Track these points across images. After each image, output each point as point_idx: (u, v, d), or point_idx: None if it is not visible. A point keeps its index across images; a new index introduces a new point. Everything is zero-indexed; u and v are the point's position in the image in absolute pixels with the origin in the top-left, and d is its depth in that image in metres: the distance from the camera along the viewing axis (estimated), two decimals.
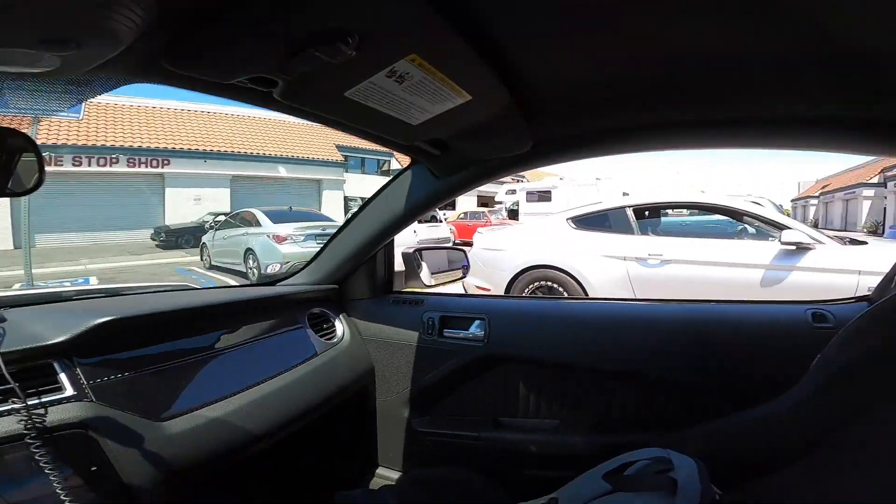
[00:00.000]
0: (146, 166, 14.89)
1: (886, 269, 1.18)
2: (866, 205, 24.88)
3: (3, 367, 0.70)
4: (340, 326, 1.43)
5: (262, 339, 1.19)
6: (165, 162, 15.14)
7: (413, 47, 0.58)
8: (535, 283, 4.14)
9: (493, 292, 4.32)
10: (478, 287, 4.50)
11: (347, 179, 20.01)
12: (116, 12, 0.41)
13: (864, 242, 3.56)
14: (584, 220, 4.14)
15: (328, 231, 8.04)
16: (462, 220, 14.09)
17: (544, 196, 13.24)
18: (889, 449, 0.75)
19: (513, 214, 15.60)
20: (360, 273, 1.48)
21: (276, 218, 8.36)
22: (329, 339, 1.37)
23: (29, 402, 0.71)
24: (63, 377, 0.81)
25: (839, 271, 3.08)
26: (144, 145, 14.88)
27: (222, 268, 9.08)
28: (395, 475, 1.47)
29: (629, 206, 4.00)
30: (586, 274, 3.90)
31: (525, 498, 0.91)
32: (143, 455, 0.83)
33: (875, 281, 1.23)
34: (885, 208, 22.25)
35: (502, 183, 20.37)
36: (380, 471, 1.50)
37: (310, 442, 1.42)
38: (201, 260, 10.21)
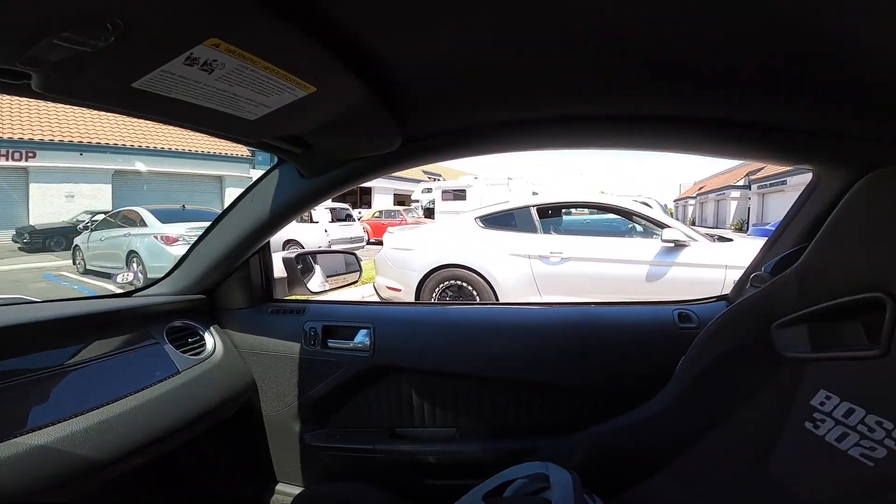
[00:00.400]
0: (6, 159, 13.12)
1: (748, 264, 1.26)
2: (734, 205, 28.74)
3: None
4: (211, 339, 1.30)
5: (106, 359, 1.04)
6: (30, 154, 13.39)
7: (210, 30, 0.49)
8: (446, 283, 4.15)
9: (403, 292, 4.27)
10: (388, 288, 4.43)
11: (254, 176, 18.73)
12: None
13: (731, 240, 4.03)
14: (491, 220, 4.23)
15: None
16: (377, 219, 13.95)
17: (459, 195, 13.47)
18: (746, 450, 0.80)
19: (429, 213, 15.72)
20: (233, 281, 1.35)
21: (166, 217, 7.64)
22: (196, 354, 1.24)
23: None
24: None
25: (710, 266, 3.44)
26: (5, 136, 13.10)
27: (99, 272, 8.14)
28: (295, 490, 1.38)
29: (533, 206, 4.16)
30: (494, 272, 3.98)
31: None
32: None
33: (739, 275, 1.32)
34: (749, 208, 25.86)
35: (419, 181, 20.45)
36: (279, 487, 1.40)
37: (192, 462, 1.33)
38: (74, 264, 9.14)
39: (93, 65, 0.50)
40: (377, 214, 14.69)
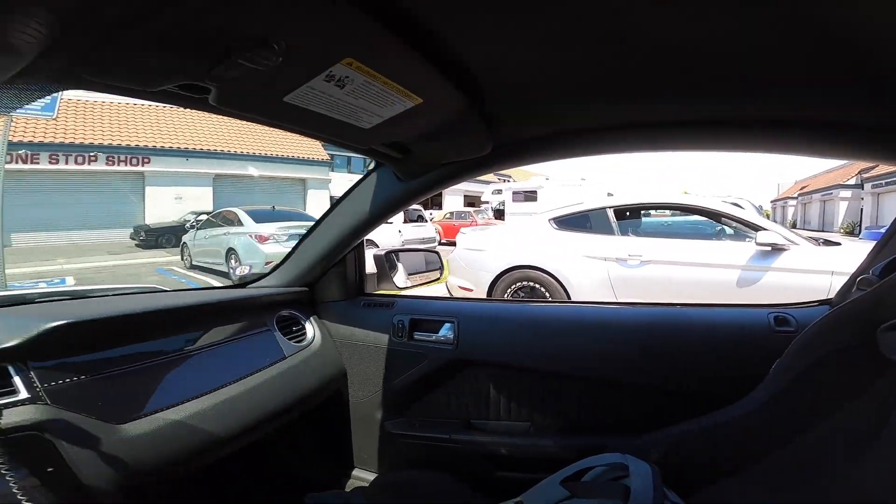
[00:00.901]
0: (126, 164, 14.73)
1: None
2: (843, 206, 25.50)
3: None
4: (311, 329, 1.43)
5: (227, 343, 1.18)
6: (146, 160, 14.99)
7: (347, 51, 0.57)
8: (518, 284, 4.15)
9: (475, 293, 4.33)
10: (461, 287, 4.50)
11: (333, 178, 19.93)
12: (13, 29, 0.41)
13: (838, 244, 3.63)
14: (565, 221, 4.16)
15: None
16: (448, 220, 14.13)
17: (530, 196, 13.31)
18: (837, 458, 0.76)
19: (499, 214, 15.70)
20: (331, 275, 1.48)
21: (259, 217, 8.26)
22: (299, 341, 1.37)
23: None
24: (17, 380, 0.83)
25: (813, 272, 3.14)
26: (124, 143, 14.72)
27: (203, 267, 8.94)
28: (371, 476, 1.47)
29: (609, 207, 4.04)
30: (567, 275, 3.92)
31: (495, 500, 0.91)
32: (101, 457, 0.85)
33: None
34: (861, 209, 22.85)
35: (489, 182, 20.45)
36: (355, 472, 1.50)
37: (283, 444, 1.43)
38: (182, 260, 10.06)
39: (258, 82, 0.60)
40: (448, 216, 14.90)
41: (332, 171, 20.11)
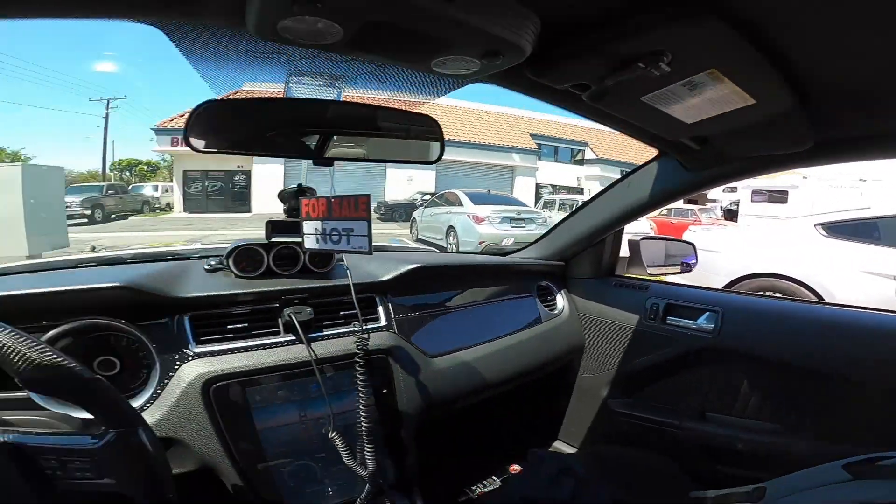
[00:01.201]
0: None
1: None
2: None
3: (354, 295, 0.88)
4: (561, 301, 1.55)
5: (500, 301, 1.37)
6: None
7: (714, 63, 0.62)
8: (758, 294, 3.61)
9: None
10: None
11: (540, 167, 20.17)
12: (527, 31, 0.56)
13: None
14: (841, 228, 3.43)
15: (523, 215, 8.26)
16: (665, 217, 12.67)
17: (777, 196, 11.00)
18: None
19: (729, 215, 13.46)
20: (587, 254, 1.55)
21: (476, 200, 8.86)
22: (551, 310, 1.50)
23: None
24: (380, 310, 1.02)
25: None
26: None
27: (427, 241, 9.92)
28: (570, 451, 1.52)
29: None
30: (833, 289, 3.25)
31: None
32: (416, 385, 1.00)
33: None
34: None
35: None
36: (556, 444, 1.56)
37: (515, 401, 1.52)
38: (410, 233, 11.36)
39: (630, 83, 0.65)
40: (665, 212, 13.38)
41: (539, 159, 20.30)
